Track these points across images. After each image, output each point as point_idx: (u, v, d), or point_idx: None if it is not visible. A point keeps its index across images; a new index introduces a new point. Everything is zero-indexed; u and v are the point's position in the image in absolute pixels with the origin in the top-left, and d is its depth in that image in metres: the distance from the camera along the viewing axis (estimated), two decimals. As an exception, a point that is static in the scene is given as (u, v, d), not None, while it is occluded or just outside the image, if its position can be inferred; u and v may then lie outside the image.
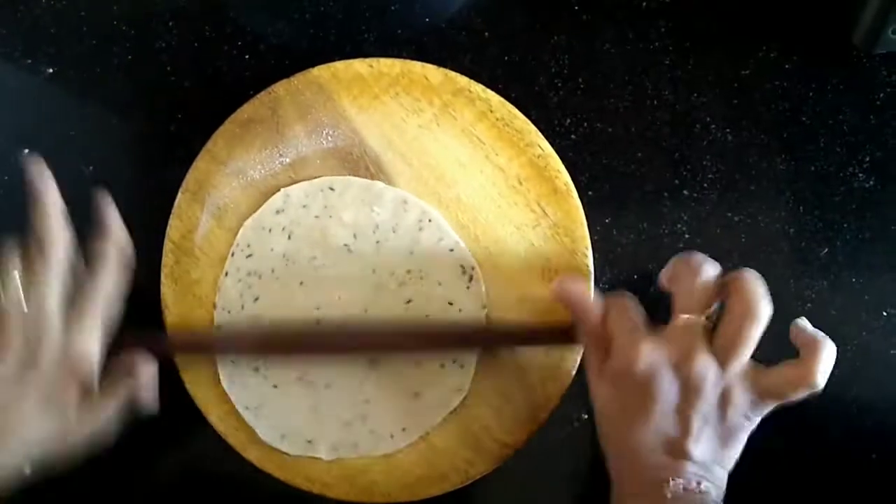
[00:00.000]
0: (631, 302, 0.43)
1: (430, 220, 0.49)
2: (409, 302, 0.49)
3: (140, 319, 0.52)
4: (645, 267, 0.52)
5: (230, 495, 0.53)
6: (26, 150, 0.51)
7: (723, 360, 0.39)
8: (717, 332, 0.40)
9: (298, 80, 0.50)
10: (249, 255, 0.50)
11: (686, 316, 0.41)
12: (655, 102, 0.52)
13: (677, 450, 0.39)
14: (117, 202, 0.55)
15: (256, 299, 0.50)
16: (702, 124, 0.52)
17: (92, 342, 0.43)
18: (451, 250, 0.49)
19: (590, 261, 0.49)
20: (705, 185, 0.52)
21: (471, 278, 0.49)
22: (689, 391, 0.39)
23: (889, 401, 0.52)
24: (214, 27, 0.53)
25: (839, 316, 0.52)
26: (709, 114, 0.52)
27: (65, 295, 0.43)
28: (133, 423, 0.44)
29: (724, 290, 0.41)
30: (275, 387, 0.50)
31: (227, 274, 0.50)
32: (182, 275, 0.50)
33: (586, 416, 0.52)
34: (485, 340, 0.49)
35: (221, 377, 0.50)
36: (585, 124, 0.52)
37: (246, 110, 0.50)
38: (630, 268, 0.52)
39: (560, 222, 0.49)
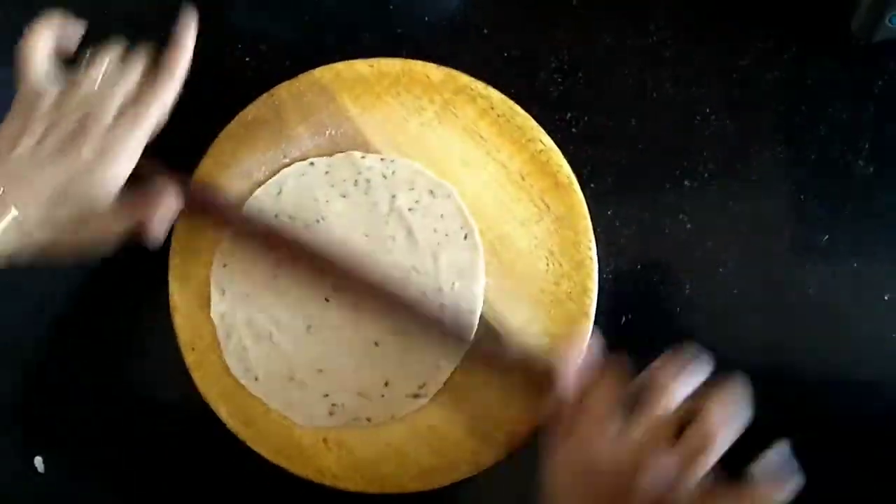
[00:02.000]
0: (617, 380, 0.42)
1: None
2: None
3: (148, 320, 0.53)
4: (648, 258, 0.52)
5: (242, 489, 0.53)
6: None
7: (683, 464, 0.38)
8: (685, 434, 0.39)
9: (301, 81, 0.50)
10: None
11: (657, 413, 0.40)
12: (655, 95, 0.53)
13: None
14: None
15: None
16: (702, 115, 0.53)
17: (132, 144, 0.42)
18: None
19: (593, 253, 0.50)
20: (706, 175, 0.52)
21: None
22: (637, 489, 0.38)
23: (891, 385, 0.52)
24: (215, 29, 0.53)
25: (841, 301, 0.52)
26: (709, 105, 0.52)
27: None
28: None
29: (701, 399, 0.40)
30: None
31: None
32: (189, 275, 0.51)
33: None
34: (466, 343, 0.49)
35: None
36: (586, 118, 0.53)
37: (249, 112, 0.50)
38: (633, 259, 0.52)
39: (563, 216, 0.50)
